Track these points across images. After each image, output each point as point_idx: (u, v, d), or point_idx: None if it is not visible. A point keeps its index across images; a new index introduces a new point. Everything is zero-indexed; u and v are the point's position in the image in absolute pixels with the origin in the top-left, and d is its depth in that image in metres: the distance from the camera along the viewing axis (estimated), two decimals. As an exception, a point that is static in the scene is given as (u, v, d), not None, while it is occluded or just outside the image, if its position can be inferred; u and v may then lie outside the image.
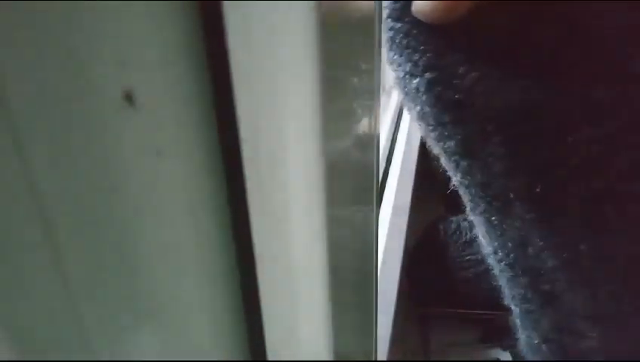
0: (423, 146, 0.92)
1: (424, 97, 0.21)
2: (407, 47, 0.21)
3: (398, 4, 0.21)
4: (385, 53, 0.22)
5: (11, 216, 0.13)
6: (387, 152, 0.83)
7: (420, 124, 0.22)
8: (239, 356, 0.21)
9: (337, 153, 0.21)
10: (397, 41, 0.21)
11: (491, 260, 0.24)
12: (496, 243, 0.23)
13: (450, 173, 0.22)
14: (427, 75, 0.20)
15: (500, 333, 0.64)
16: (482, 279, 0.66)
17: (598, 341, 0.22)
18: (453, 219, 0.64)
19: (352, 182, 0.26)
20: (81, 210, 0.14)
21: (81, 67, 0.13)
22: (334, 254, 0.21)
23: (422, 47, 0.20)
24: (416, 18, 0.20)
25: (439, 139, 0.21)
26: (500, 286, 0.24)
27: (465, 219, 0.64)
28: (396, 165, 0.80)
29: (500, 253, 0.23)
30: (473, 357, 0.63)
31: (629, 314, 0.21)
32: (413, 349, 0.65)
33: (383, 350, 0.50)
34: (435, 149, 0.22)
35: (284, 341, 0.21)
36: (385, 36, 0.22)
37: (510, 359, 0.62)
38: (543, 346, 0.24)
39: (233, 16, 0.15)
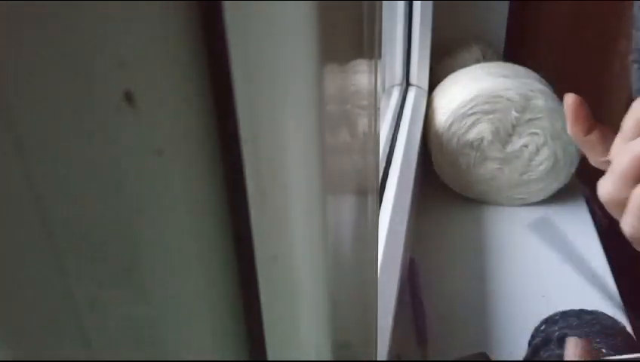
0: (423, 146, 0.92)
1: None
2: None
3: None
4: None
5: (11, 216, 0.13)
6: (387, 152, 0.83)
7: None
8: (239, 356, 0.21)
9: (337, 153, 0.21)
10: None
11: None
12: None
13: None
14: None
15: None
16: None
17: None
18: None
19: (352, 182, 0.26)
20: (81, 210, 0.14)
21: (81, 67, 0.13)
22: (334, 254, 0.21)
23: None
24: None
25: None
26: None
27: None
28: (396, 165, 0.80)
29: None
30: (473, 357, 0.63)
31: None
32: (413, 349, 0.65)
33: (383, 349, 0.50)
34: None
35: (284, 341, 0.21)
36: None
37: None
38: None
39: (233, 16, 0.15)
